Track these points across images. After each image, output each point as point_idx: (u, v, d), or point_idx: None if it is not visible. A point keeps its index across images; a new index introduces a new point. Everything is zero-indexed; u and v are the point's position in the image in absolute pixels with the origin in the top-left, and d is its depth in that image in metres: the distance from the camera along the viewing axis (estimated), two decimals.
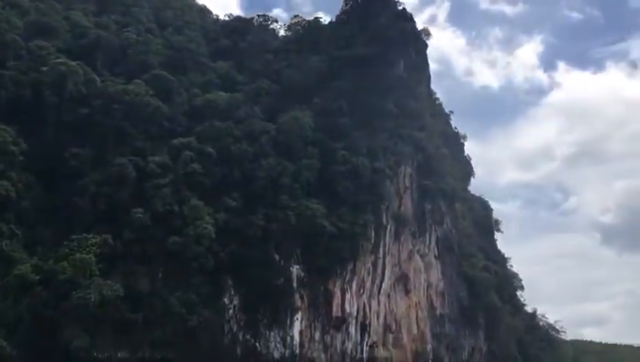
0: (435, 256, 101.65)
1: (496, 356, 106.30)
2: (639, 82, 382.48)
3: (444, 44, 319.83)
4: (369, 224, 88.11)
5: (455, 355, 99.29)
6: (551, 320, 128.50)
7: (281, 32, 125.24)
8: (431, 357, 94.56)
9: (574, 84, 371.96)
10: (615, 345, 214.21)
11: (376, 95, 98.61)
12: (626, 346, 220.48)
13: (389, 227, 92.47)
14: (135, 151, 79.18)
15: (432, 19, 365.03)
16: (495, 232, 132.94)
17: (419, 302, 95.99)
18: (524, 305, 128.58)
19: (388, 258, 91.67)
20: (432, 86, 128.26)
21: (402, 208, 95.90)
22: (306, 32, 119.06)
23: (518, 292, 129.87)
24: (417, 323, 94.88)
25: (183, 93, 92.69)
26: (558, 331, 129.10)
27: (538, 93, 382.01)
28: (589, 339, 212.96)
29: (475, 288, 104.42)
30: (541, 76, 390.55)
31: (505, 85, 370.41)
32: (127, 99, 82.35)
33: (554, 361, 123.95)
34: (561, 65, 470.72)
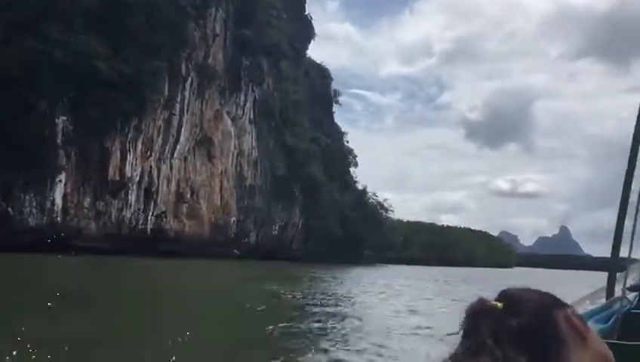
0: (250, 121, 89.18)
1: (315, 232, 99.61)
2: None
3: None
4: (161, 72, 72.24)
5: (264, 230, 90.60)
6: (380, 198, 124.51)
7: None
8: (234, 230, 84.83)
9: None
10: (456, 228, 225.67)
11: None
12: (465, 229, 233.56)
13: (190, 80, 77.29)
14: None
15: None
16: (333, 105, 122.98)
17: (225, 170, 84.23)
18: (355, 181, 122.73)
19: (187, 116, 77.37)
20: None
21: (210, 60, 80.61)
22: None
23: (352, 169, 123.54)
24: (221, 194, 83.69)
25: None
26: (386, 209, 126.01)
27: None
28: (446, 224, 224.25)
29: (294, 159, 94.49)
30: None
31: None
32: None
33: (379, 238, 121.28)
34: None
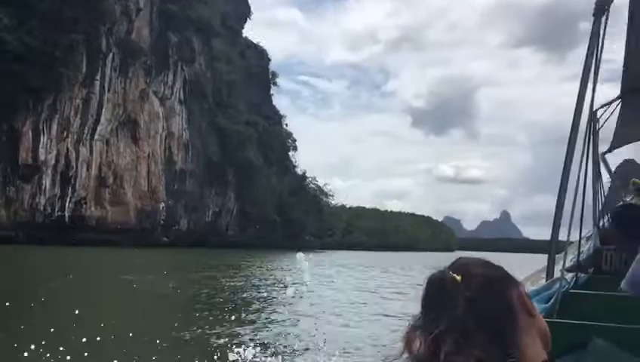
0: (180, 101, 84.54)
1: (251, 218, 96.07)
2: None
3: None
4: (78, 47, 66.85)
5: (197, 216, 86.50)
6: (320, 183, 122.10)
7: None
8: (163, 216, 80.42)
9: None
10: (399, 213, 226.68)
11: None
12: (408, 214, 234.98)
13: (111, 56, 72.08)
14: None
15: None
16: (271, 86, 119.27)
17: (152, 153, 79.50)
18: (295, 166, 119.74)
19: (108, 95, 72.18)
20: None
21: (134, 35, 75.44)
22: None
23: (291, 153, 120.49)
24: (149, 178, 79.01)
25: None
26: (327, 195, 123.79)
27: None
28: (390, 210, 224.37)
29: (229, 143, 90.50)
30: None
31: None
32: None
33: (319, 224, 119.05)
34: None
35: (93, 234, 67.84)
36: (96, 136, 70.92)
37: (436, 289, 1.14)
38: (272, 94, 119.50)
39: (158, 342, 8.61)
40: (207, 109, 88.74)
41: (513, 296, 1.14)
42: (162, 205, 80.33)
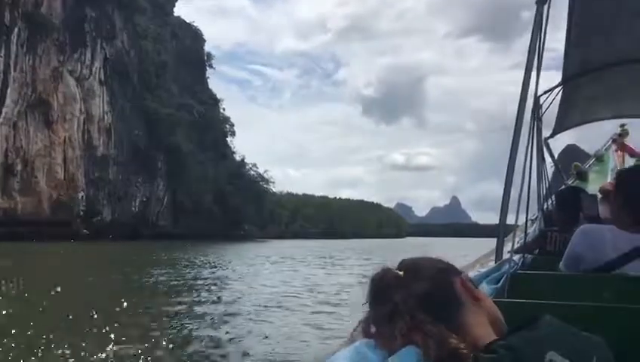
0: (100, 82, 78.13)
1: (184, 207, 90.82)
2: None
3: None
4: None
5: (122, 205, 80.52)
6: (261, 170, 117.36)
7: None
8: (82, 207, 74.25)
9: None
10: (347, 200, 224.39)
11: None
12: (357, 201, 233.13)
13: (16, 31, 65.30)
14: None
15: None
16: (207, 69, 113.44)
17: (69, 138, 73.07)
18: (233, 152, 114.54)
19: (14, 74, 65.44)
20: None
21: (44, 8, 68.70)
22: None
23: (229, 139, 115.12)
24: (65, 165, 72.67)
25: None
26: (267, 181, 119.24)
27: None
28: (338, 197, 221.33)
29: (157, 127, 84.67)
30: None
31: None
32: None
33: (260, 213, 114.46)
34: None
35: (1, 228, 61.48)
36: (0, 120, 64.17)
37: (379, 285, 1.21)
38: (208, 77, 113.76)
39: None
40: (132, 91, 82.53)
41: (456, 284, 1.20)
42: (81, 194, 74.16)
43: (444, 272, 1.23)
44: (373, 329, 1.20)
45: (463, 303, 1.18)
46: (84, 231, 72.73)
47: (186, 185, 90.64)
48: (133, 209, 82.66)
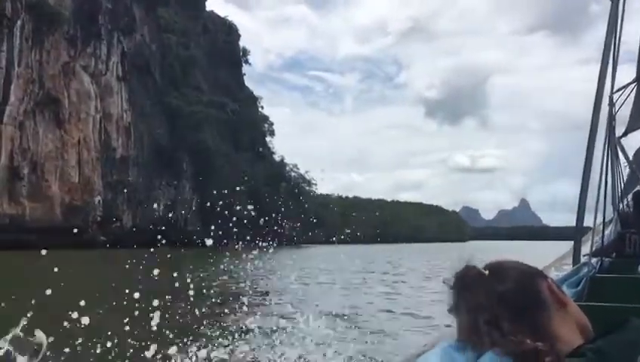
0: (118, 78, 72.95)
1: (215, 211, 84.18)
2: None
3: None
4: None
5: (144, 210, 74.83)
6: (302, 171, 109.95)
7: None
8: (99, 212, 69.03)
9: None
10: (404, 203, 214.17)
11: None
12: (415, 203, 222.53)
13: (20, 23, 60.80)
14: None
15: None
16: (243, 65, 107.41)
17: (84, 139, 68.08)
18: (272, 153, 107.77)
19: (19, 70, 60.92)
20: None
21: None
22: None
23: (268, 138, 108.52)
24: (79, 168, 67.70)
25: None
26: (309, 183, 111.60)
27: None
28: (395, 200, 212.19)
29: (181, 126, 78.81)
30: None
31: None
32: None
33: (301, 216, 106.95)
34: None
35: (8, 235, 56.77)
36: (5, 119, 59.67)
37: (461, 283, 1.20)
38: (245, 74, 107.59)
39: None
40: (154, 88, 76.99)
41: (542, 288, 1.18)
42: (98, 199, 68.98)
43: (529, 275, 1.20)
44: (457, 330, 1.18)
45: (549, 307, 1.15)
46: (102, 238, 67.46)
47: (217, 187, 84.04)
48: (157, 214, 76.88)
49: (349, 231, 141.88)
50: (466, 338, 1.13)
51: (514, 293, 1.14)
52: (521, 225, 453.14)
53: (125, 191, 71.92)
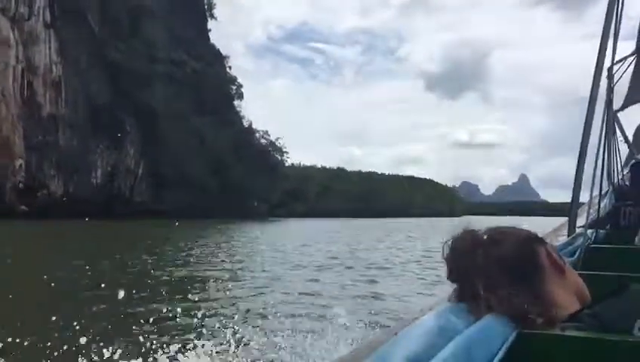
0: (45, 24, 63.56)
1: (167, 180, 75.51)
2: None
3: None
4: None
5: (79, 177, 66.18)
6: (272, 138, 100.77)
7: None
8: (20, 178, 60.43)
9: None
10: (389, 176, 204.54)
11: None
12: (403, 176, 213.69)
13: None
14: None
15: None
16: (208, 19, 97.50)
17: (1, 92, 59.10)
18: (241, 118, 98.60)
19: None
20: None
21: None
22: None
23: (236, 102, 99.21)
24: None
25: None
26: (281, 151, 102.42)
27: None
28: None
29: (126, 83, 69.63)
30: None
31: None
32: None
33: (272, 187, 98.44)
34: None
35: None
36: None
37: (459, 246, 1.20)
38: (210, 29, 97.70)
39: None
40: (91, 38, 67.57)
41: (541, 253, 1.19)
42: (20, 162, 60.34)
43: (528, 240, 1.21)
44: (455, 295, 1.18)
45: (546, 272, 1.16)
46: (22, 207, 59.11)
47: (170, 154, 75.53)
48: (95, 181, 68.24)
49: (329, 204, 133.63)
50: (464, 303, 1.13)
51: (512, 258, 1.14)
52: (520, 200, 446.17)
53: (54, 155, 63.26)
